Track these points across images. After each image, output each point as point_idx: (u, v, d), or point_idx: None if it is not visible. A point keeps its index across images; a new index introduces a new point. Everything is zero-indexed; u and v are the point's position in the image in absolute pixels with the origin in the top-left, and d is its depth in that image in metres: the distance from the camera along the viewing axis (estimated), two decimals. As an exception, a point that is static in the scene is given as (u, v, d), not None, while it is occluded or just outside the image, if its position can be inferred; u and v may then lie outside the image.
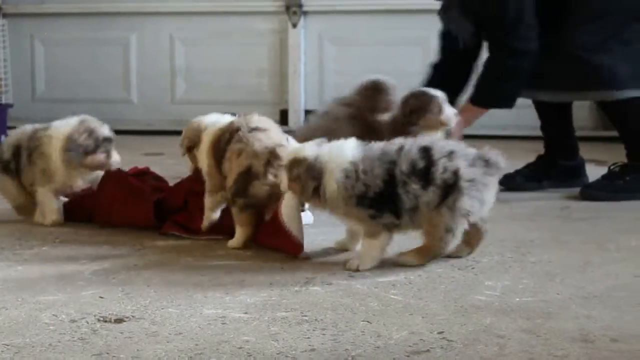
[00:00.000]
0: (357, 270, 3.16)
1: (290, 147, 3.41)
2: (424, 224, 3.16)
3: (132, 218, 3.81)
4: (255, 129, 3.49)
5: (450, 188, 3.08)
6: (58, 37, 7.26)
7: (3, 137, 6.44)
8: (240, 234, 3.50)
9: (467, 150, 3.15)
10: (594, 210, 4.22)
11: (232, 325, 2.62)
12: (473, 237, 3.29)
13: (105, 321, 2.68)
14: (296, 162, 3.18)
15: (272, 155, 3.42)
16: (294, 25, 6.84)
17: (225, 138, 3.51)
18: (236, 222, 3.50)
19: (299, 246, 3.33)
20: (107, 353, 2.42)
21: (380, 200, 3.12)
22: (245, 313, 2.73)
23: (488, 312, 2.72)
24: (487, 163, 3.14)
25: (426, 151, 3.11)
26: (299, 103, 6.92)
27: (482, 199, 3.13)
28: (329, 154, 3.17)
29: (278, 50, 6.93)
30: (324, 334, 2.55)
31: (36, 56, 7.32)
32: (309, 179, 3.15)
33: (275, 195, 3.40)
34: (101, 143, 3.95)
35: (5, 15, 6.93)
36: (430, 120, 4.17)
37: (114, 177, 3.97)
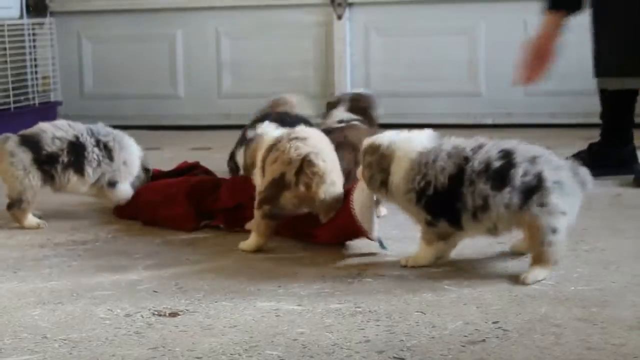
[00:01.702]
0: (406, 265, 3.12)
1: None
2: (513, 228, 3.02)
3: (174, 223, 3.77)
4: (295, 138, 3.33)
5: (534, 189, 2.90)
6: (105, 34, 7.30)
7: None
8: (253, 240, 3.36)
9: (552, 157, 3.00)
10: (647, 197, 4.18)
11: (286, 318, 2.63)
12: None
13: (160, 315, 2.69)
14: (370, 149, 3.13)
15: (305, 163, 3.22)
16: (339, 17, 6.82)
17: (268, 152, 3.39)
18: (254, 228, 3.37)
19: (367, 234, 3.26)
20: (163, 347, 2.43)
21: (440, 201, 3.00)
22: (299, 305, 2.74)
23: (543, 302, 2.70)
24: (575, 174, 2.98)
25: (507, 154, 2.96)
26: (346, 95, 6.90)
27: (571, 203, 2.95)
28: (400, 142, 3.10)
29: (323, 42, 6.91)
30: (378, 325, 2.54)
31: (84, 54, 7.36)
32: (377, 168, 3.11)
33: (303, 209, 3.29)
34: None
35: (52, 14, 6.98)
36: None
37: (153, 182, 4.09)
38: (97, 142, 3.92)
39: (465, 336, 2.44)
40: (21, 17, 6.36)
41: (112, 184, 3.95)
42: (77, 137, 3.91)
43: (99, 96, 7.28)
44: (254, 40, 7.04)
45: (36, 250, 3.50)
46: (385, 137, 3.15)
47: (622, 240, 3.40)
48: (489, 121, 6.51)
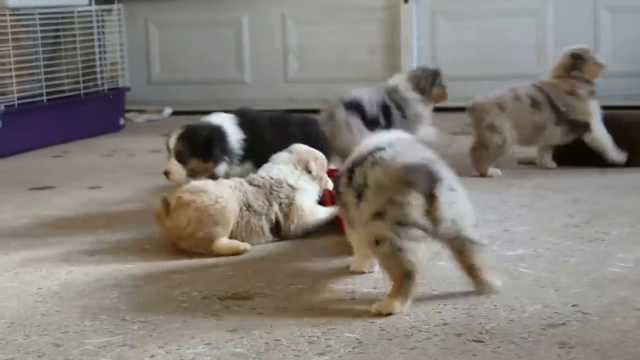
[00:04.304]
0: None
1: None
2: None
3: None
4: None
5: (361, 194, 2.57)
6: (171, 20, 7.35)
7: (122, 120, 6.56)
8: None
9: (388, 152, 2.56)
10: None
11: (362, 300, 2.62)
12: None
13: (236, 298, 2.70)
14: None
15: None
16: (406, 1, 6.78)
17: None
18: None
19: None
20: (241, 329, 2.44)
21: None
22: (374, 288, 2.73)
23: (623, 285, 2.66)
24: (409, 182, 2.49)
25: (355, 160, 2.64)
26: (412, 79, 6.86)
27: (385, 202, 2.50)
28: None
29: (390, 26, 6.89)
30: (455, 308, 2.53)
31: (151, 40, 7.42)
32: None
33: None
34: None
35: (120, 0, 7.03)
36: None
37: None
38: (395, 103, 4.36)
39: (545, 319, 2.41)
40: (90, 3, 6.41)
41: None
42: (384, 100, 4.33)
43: (166, 82, 7.34)
44: (320, 24, 7.03)
45: (110, 233, 3.54)
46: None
47: (701, 223, 3.34)
48: (558, 104, 6.43)
